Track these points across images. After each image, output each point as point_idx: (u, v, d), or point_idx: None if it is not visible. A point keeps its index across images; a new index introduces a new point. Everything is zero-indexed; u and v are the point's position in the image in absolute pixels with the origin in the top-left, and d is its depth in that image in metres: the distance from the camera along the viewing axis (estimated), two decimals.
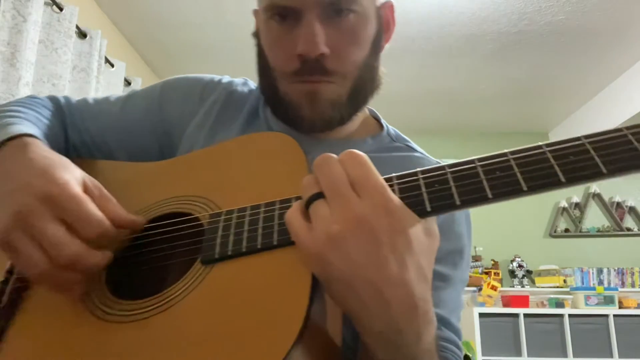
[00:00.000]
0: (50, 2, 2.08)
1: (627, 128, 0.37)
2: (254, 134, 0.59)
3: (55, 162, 0.50)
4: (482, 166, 0.39)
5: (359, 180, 0.37)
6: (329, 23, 0.58)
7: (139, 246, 0.52)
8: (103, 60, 2.47)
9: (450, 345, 0.57)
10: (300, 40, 0.57)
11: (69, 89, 2.15)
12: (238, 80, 0.76)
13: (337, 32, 0.58)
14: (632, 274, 3.94)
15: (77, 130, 0.72)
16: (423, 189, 0.39)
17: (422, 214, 0.38)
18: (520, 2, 2.66)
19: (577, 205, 4.23)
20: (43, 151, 0.52)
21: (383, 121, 0.73)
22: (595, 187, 4.21)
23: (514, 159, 0.38)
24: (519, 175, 0.37)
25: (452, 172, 0.40)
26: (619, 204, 4.18)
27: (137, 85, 2.89)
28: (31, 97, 0.71)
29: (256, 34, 0.67)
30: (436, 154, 0.72)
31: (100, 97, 0.76)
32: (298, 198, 0.44)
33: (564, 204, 4.21)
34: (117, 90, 2.64)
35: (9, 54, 1.79)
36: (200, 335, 0.40)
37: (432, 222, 0.40)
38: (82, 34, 2.32)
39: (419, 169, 0.41)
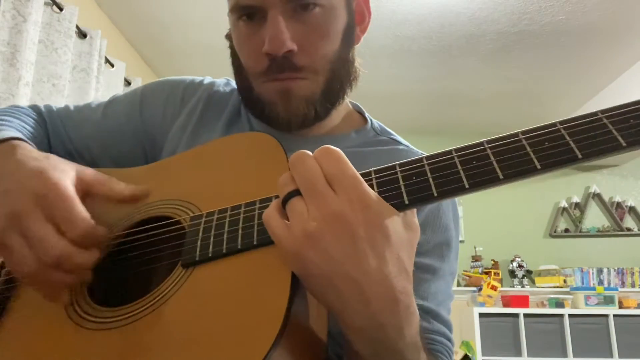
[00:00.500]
0: (50, 2, 2.07)
1: (602, 112, 0.37)
2: (235, 135, 0.59)
3: (47, 163, 0.50)
4: (459, 156, 0.39)
5: (334, 175, 0.37)
6: (296, 18, 0.58)
7: (121, 252, 0.51)
8: (103, 60, 2.47)
9: (439, 338, 0.57)
10: (266, 38, 0.57)
11: (69, 89, 2.15)
12: (220, 80, 0.76)
13: (304, 27, 0.58)
14: (632, 274, 3.94)
15: (60, 140, 0.72)
16: (401, 182, 0.39)
17: (401, 207, 0.38)
18: (520, 2, 2.66)
19: (577, 205, 4.23)
20: (33, 153, 0.53)
21: (367, 115, 0.73)
22: (595, 187, 4.21)
23: (490, 147, 0.39)
24: (495, 164, 0.37)
25: (429, 164, 0.39)
26: (619, 204, 4.18)
27: (137, 85, 2.88)
28: (14, 106, 0.71)
29: (229, 36, 0.67)
30: None
31: (82, 104, 0.76)
32: (277, 197, 0.43)
33: (564, 204, 4.21)
34: (117, 90, 2.63)
35: (9, 54, 1.79)
36: (180, 339, 0.39)
37: (412, 215, 0.39)
38: (82, 34, 2.32)
39: (397, 162, 0.41)
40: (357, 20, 0.66)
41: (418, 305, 0.42)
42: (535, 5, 2.68)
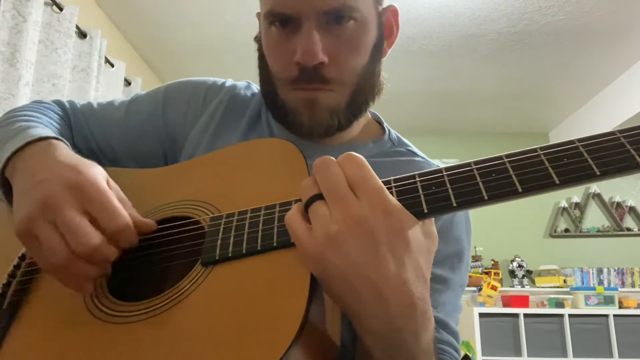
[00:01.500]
0: (50, 2, 2.08)
1: (620, 131, 0.38)
2: (256, 140, 0.60)
3: (84, 160, 0.51)
4: (478, 169, 0.40)
5: (357, 181, 0.38)
6: (329, 31, 0.58)
7: (140, 249, 0.52)
8: (103, 60, 2.47)
9: (448, 348, 0.57)
10: (299, 48, 0.57)
11: (69, 89, 2.15)
12: (241, 83, 0.77)
13: (336, 40, 0.59)
14: (632, 274, 3.94)
15: (82, 136, 0.72)
16: (420, 192, 0.40)
17: (420, 215, 0.39)
18: (520, 2, 2.66)
19: (577, 205, 4.24)
20: (71, 153, 0.54)
21: (386, 125, 0.73)
22: (595, 187, 4.21)
23: (509, 161, 0.40)
24: (514, 177, 0.38)
25: (448, 175, 0.41)
26: (619, 204, 4.19)
27: (137, 85, 2.88)
28: (38, 102, 0.71)
29: (258, 39, 0.67)
30: (436, 154, 0.73)
31: (104, 101, 0.77)
32: (298, 201, 0.44)
33: (564, 204, 4.21)
34: (117, 90, 2.64)
35: (9, 54, 1.79)
36: (199, 336, 0.40)
37: (431, 224, 0.40)
38: (82, 34, 2.32)
39: (416, 172, 0.42)
40: (385, 35, 0.66)
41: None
42: (535, 6, 2.68)
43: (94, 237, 0.44)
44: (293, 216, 0.40)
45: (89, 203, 0.45)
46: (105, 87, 2.54)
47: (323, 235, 0.37)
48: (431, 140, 4.13)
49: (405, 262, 0.37)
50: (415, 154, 0.70)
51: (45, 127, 0.62)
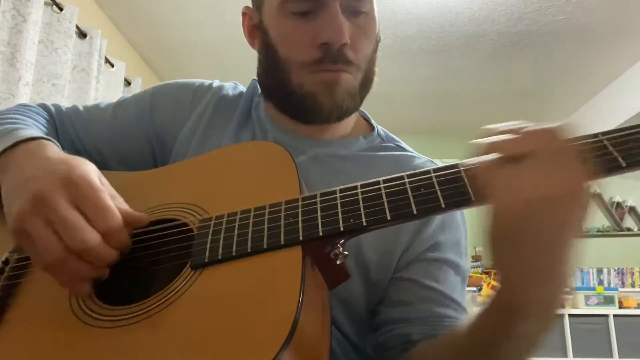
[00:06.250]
0: (50, 2, 2.07)
1: (603, 133, 0.41)
2: (245, 143, 0.60)
3: (76, 158, 0.51)
4: (465, 171, 0.42)
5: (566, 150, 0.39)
6: (347, 18, 0.61)
7: (128, 252, 0.51)
8: (103, 60, 2.47)
9: None
10: (327, 28, 0.59)
11: (69, 89, 2.15)
12: (228, 84, 0.77)
13: (354, 27, 0.62)
14: (632, 274, 3.94)
15: (69, 139, 0.72)
16: (409, 193, 0.42)
17: (409, 216, 0.41)
18: (520, 2, 2.65)
19: None
20: (61, 151, 0.54)
21: (373, 122, 0.75)
22: (595, 187, 4.21)
23: (465, 170, 0.42)
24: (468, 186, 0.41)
25: (437, 177, 0.42)
26: (619, 204, 4.18)
27: (137, 85, 2.88)
28: (23, 105, 0.71)
29: (261, 29, 0.68)
30: (436, 154, 0.73)
31: (90, 104, 0.77)
32: (288, 202, 0.45)
33: None
34: (117, 90, 2.64)
35: (9, 54, 1.79)
36: (187, 340, 0.39)
37: None
38: (82, 34, 2.32)
39: (405, 173, 0.44)
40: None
41: (448, 296, 0.54)
42: (535, 6, 2.68)
43: (89, 232, 0.44)
44: (493, 165, 0.38)
45: (81, 199, 0.45)
46: (105, 87, 2.53)
47: (539, 197, 0.37)
48: (431, 140, 4.12)
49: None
50: (405, 149, 0.72)
51: (32, 128, 0.61)
